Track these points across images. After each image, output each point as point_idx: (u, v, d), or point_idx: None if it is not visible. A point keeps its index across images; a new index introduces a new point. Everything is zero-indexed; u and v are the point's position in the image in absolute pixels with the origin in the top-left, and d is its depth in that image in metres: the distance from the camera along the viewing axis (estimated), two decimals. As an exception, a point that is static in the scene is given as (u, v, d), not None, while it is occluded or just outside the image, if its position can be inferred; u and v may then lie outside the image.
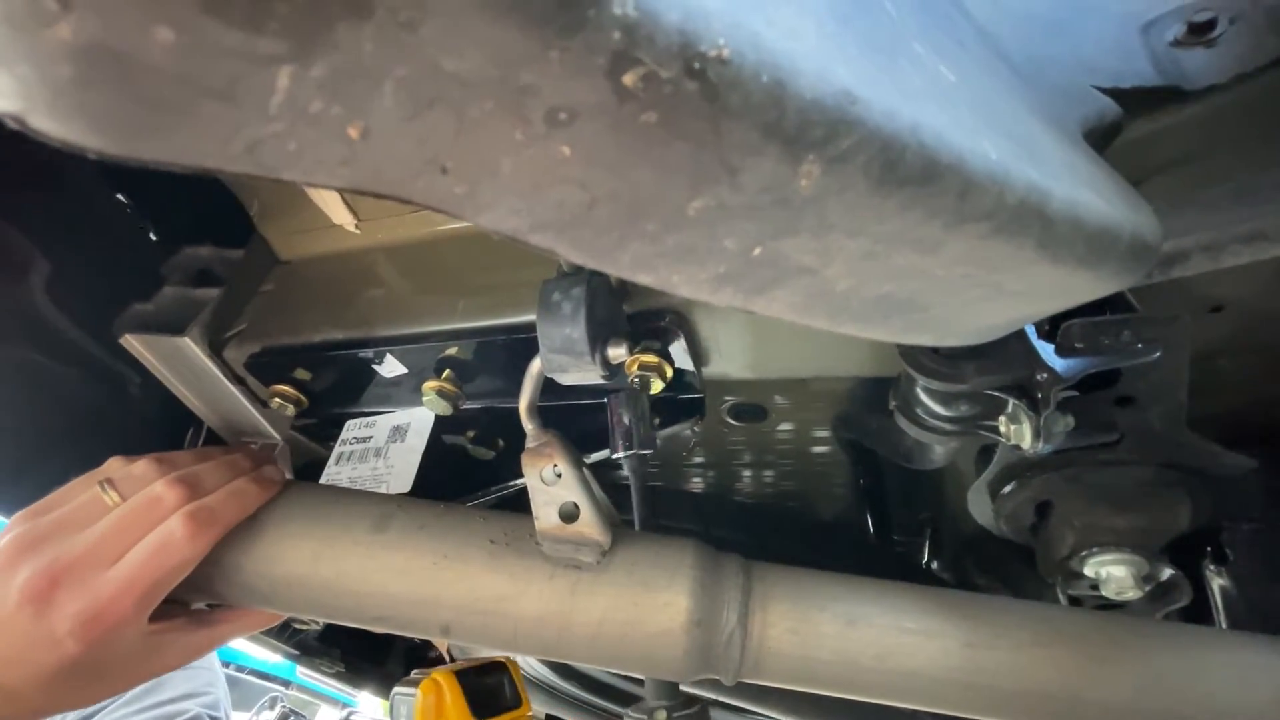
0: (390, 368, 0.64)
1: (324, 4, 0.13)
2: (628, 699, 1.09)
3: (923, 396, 0.50)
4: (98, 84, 0.13)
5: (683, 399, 0.61)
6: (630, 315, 0.54)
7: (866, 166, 0.19)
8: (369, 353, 0.62)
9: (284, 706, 2.56)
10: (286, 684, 2.60)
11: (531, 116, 0.17)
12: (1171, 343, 0.45)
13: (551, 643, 0.53)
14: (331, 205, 0.65)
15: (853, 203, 0.20)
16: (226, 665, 2.46)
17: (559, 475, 0.52)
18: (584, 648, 0.53)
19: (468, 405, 0.63)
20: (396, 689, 0.75)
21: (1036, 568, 0.58)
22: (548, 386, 0.52)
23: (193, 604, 0.60)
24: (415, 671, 0.76)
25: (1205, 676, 0.48)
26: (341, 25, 0.14)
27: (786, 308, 0.24)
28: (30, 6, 0.12)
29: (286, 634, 0.95)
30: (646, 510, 0.57)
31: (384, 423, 0.70)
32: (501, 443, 0.75)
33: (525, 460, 0.53)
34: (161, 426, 0.75)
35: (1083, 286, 0.27)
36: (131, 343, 0.66)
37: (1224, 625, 0.59)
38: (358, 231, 0.66)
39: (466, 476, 0.76)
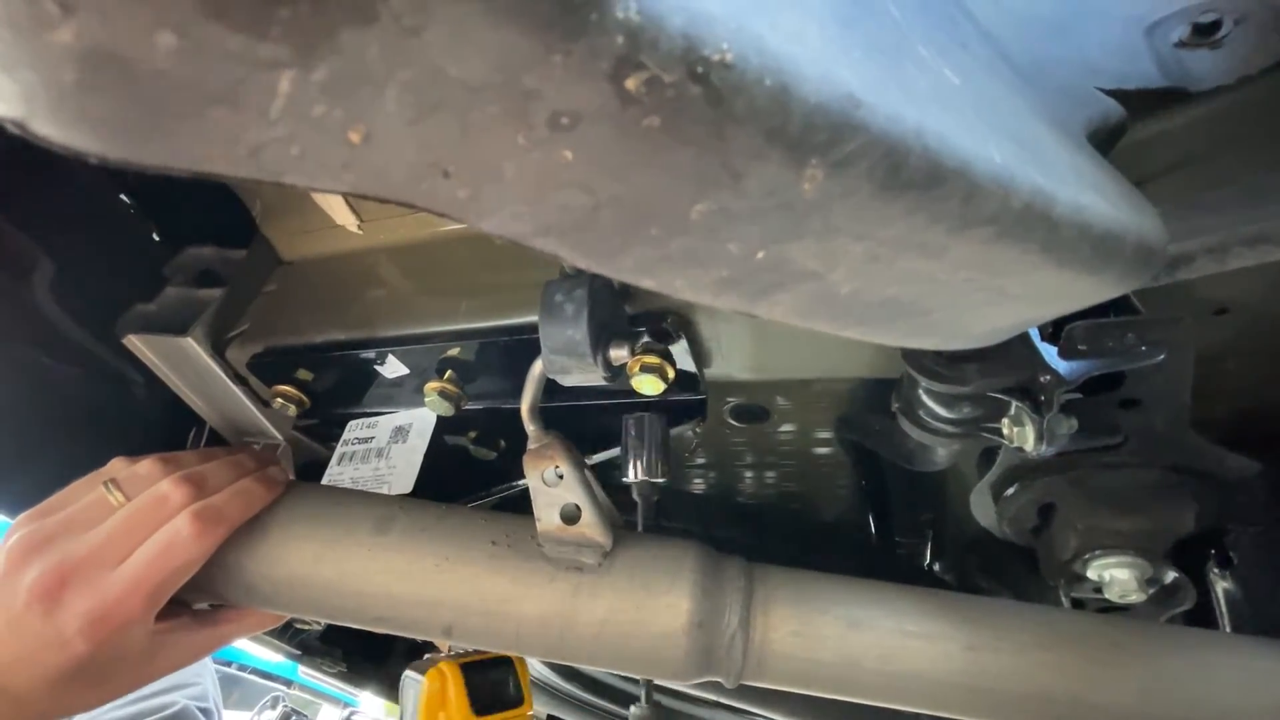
0: (392, 368, 0.64)
1: (327, 9, 0.13)
2: (628, 699, 1.09)
3: (925, 398, 0.50)
4: (100, 89, 0.13)
5: (685, 400, 0.61)
6: (632, 316, 0.54)
7: (871, 171, 0.19)
8: (371, 353, 0.62)
9: (286, 706, 2.56)
10: (288, 683, 2.60)
11: (534, 121, 0.17)
12: (1176, 345, 0.45)
13: (553, 644, 0.53)
14: (334, 206, 0.65)
15: (857, 207, 0.20)
16: (228, 664, 2.46)
17: (560, 477, 0.52)
18: (586, 649, 0.53)
19: (470, 406, 0.63)
20: (408, 670, 0.76)
21: (1039, 570, 0.58)
22: (550, 387, 0.52)
23: (196, 604, 0.60)
24: (427, 656, 0.77)
25: (1209, 681, 0.48)
26: (345, 30, 0.14)
27: (790, 312, 0.24)
28: (31, 10, 0.12)
29: (289, 634, 0.95)
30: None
31: (386, 423, 0.70)
32: (503, 443, 0.75)
33: (527, 462, 0.53)
34: (164, 426, 0.75)
35: (1088, 290, 0.27)
36: (134, 343, 0.66)
37: (1228, 628, 0.59)
38: (360, 232, 0.66)
39: (468, 477, 0.76)
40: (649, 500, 0.58)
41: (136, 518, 0.51)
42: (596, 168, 0.18)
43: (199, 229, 0.71)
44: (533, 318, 0.54)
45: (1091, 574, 0.53)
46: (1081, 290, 0.27)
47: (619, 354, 0.47)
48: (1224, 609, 0.58)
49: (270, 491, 0.57)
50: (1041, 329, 0.46)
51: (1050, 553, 0.56)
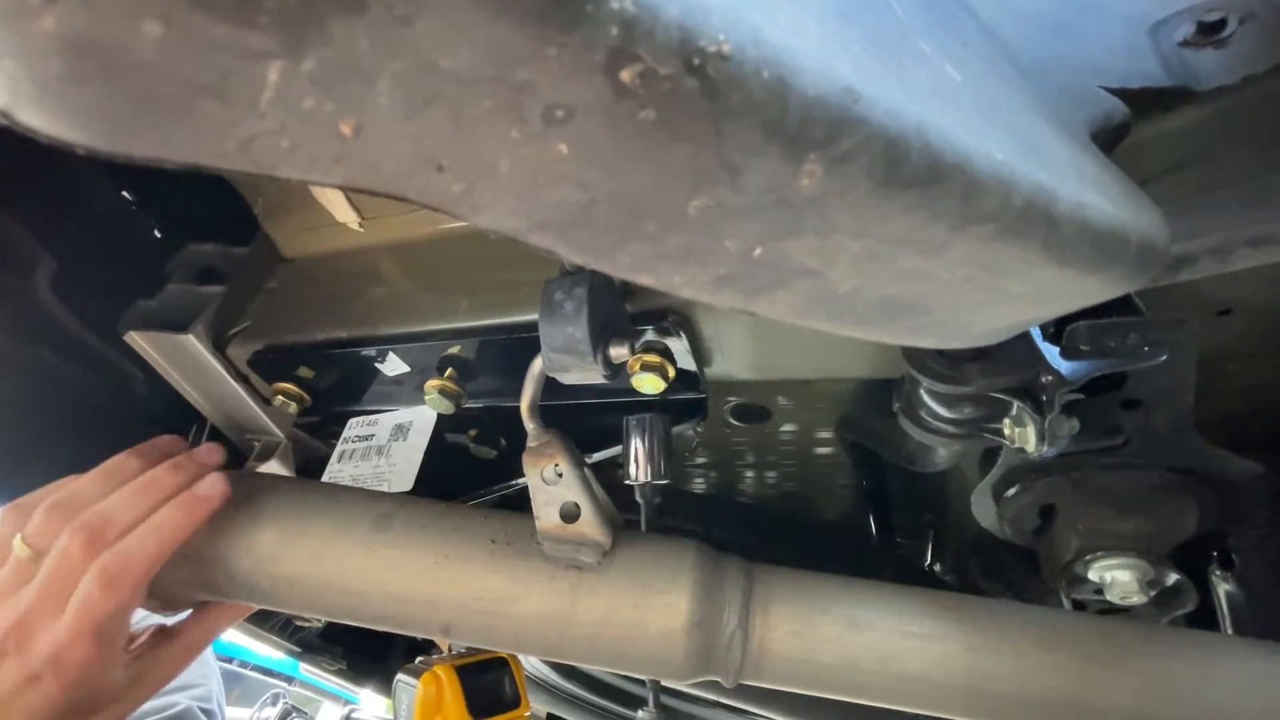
0: (393, 366, 0.64)
1: (315, -1, 0.13)
2: (628, 699, 1.09)
3: (926, 399, 0.49)
4: (84, 79, 0.13)
5: (685, 399, 0.61)
6: (633, 315, 0.53)
7: (870, 167, 0.19)
8: (372, 351, 0.62)
9: (286, 703, 2.56)
10: (289, 680, 2.60)
11: (528, 114, 0.16)
12: (1178, 346, 0.45)
13: (552, 643, 0.53)
14: (335, 203, 0.65)
15: (856, 203, 0.20)
16: (229, 661, 2.46)
17: (560, 475, 0.52)
18: (584, 648, 0.52)
19: (470, 404, 0.63)
20: (400, 675, 0.75)
21: (1040, 571, 0.58)
22: (550, 386, 0.52)
23: (192, 600, 0.60)
24: (420, 659, 0.76)
25: (1211, 683, 0.48)
26: (334, 20, 0.13)
27: (788, 309, 0.23)
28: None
29: (289, 631, 0.95)
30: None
31: (386, 421, 0.70)
32: (503, 442, 0.74)
33: (526, 460, 0.53)
34: (165, 423, 0.75)
35: (1089, 290, 0.27)
36: (135, 339, 0.66)
37: (1229, 630, 0.59)
38: (361, 230, 0.66)
39: (468, 475, 0.76)
40: (651, 501, 0.57)
41: (52, 582, 0.49)
42: (591, 162, 0.18)
43: (200, 226, 0.71)
44: (533, 316, 0.54)
45: (1093, 575, 0.53)
46: (1083, 290, 0.26)
47: (619, 352, 0.47)
48: (1226, 611, 0.58)
49: (194, 515, 0.52)
50: (1043, 329, 0.46)
51: (1051, 554, 0.56)
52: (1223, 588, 0.58)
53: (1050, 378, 0.44)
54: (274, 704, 2.57)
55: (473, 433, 0.74)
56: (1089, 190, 0.25)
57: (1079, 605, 0.58)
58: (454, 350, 0.60)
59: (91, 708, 0.52)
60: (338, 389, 0.68)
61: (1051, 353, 0.45)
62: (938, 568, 0.84)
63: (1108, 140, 0.40)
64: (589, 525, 0.52)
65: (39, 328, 0.67)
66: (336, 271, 0.68)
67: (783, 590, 0.52)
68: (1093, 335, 0.45)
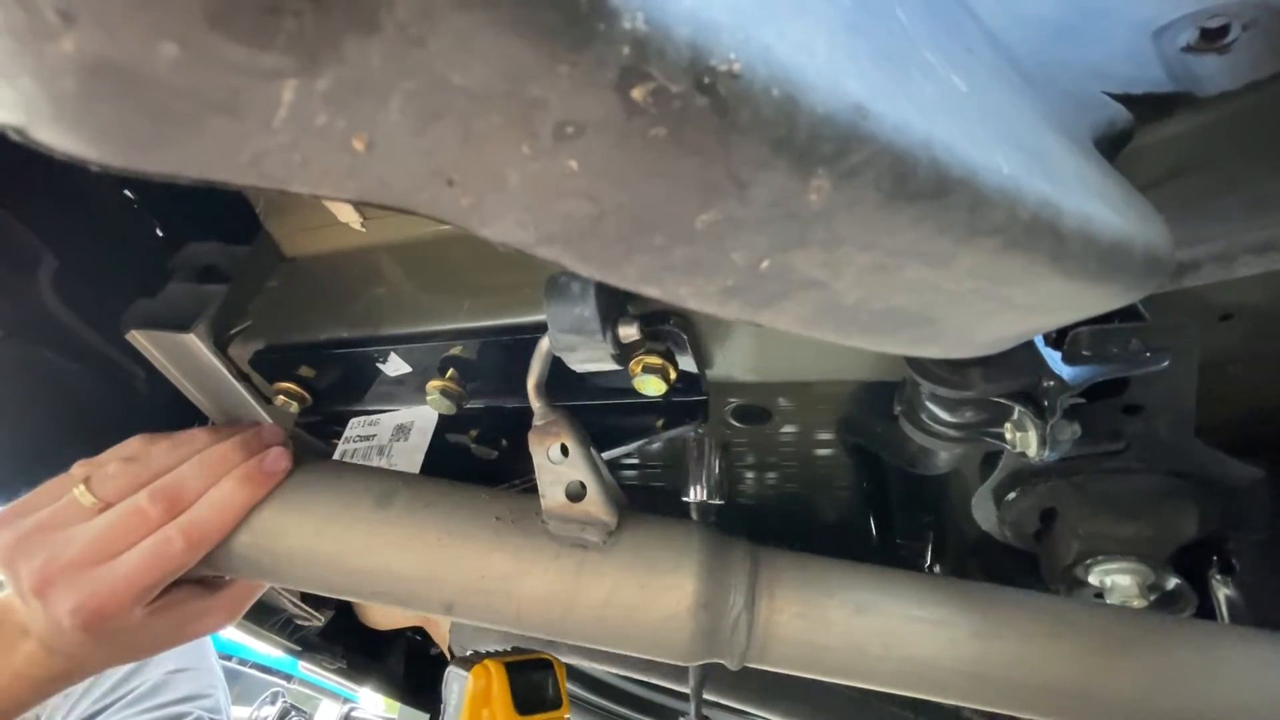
0: (394, 366, 0.64)
1: (331, 19, 0.13)
2: (631, 700, 1.10)
3: (928, 402, 0.50)
4: (101, 97, 0.13)
5: (686, 401, 0.61)
6: (635, 316, 0.53)
7: (878, 181, 0.19)
8: (373, 351, 0.62)
9: (285, 702, 2.57)
10: (288, 678, 2.61)
11: (539, 130, 0.16)
12: (1180, 351, 0.45)
13: (555, 623, 0.52)
14: (337, 204, 0.65)
15: (863, 217, 0.20)
16: (228, 659, 2.47)
17: (566, 454, 0.52)
18: (588, 628, 0.52)
19: (471, 404, 0.63)
20: (452, 666, 0.77)
21: (1040, 574, 0.58)
22: (551, 388, 0.52)
23: (193, 575, 0.60)
24: (471, 652, 0.78)
25: (1217, 673, 0.47)
26: (349, 40, 0.13)
27: (794, 320, 0.24)
28: (32, 19, 0.12)
29: (289, 630, 0.96)
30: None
31: (388, 421, 0.70)
32: (504, 442, 0.75)
33: (532, 438, 0.52)
34: (166, 422, 0.75)
35: (1095, 300, 0.27)
36: (137, 338, 0.66)
37: (1229, 634, 0.59)
38: (363, 229, 0.66)
39: (469, 476, 0.76)
40: (706, 520, 0.57)
41: (119, 526, 0.51)
42: (601, 177, 0.18)
43: (202, 224, 0.71)
44: (536, 317, 0.54)
45: (1093, 579, 0.53)
46: (1089, 300, 0.27)
47: (628, 331, 0.47)
48: (1226, 615, 0.58)
49: (260, 488, 0.55)
50: (1046, 334, 0.46)
51: (1052, 557, 0.56)
52: (1223, 592, 0.58)
53: (1052, 383, 0.44)
54: (273, 702, 2.57)
55: (474, 433, 0.74)
56: (1094, 201, 0.25)
57: (1078, 608, 0.58)
58: (456, 350, 0.60)
59: (105, 643, 0.54)
60: (339, 388, 0.68)
61: (1053, 358, 0.45)
62: (937, 569, 0.84)
63: (1111, 146, 0.40)
64: (595, 504, 0.52)
65: (40, 326, 0.67)
66: (338, 271, 0.68)
67: (789, 573, 0.52)
68: (1095, 341, 0.45)
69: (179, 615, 0.58)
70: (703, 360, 0.57)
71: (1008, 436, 0.47)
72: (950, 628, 0.49)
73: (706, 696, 0.81)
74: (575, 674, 1.08)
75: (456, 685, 0.74)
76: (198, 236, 0.71)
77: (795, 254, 0.21)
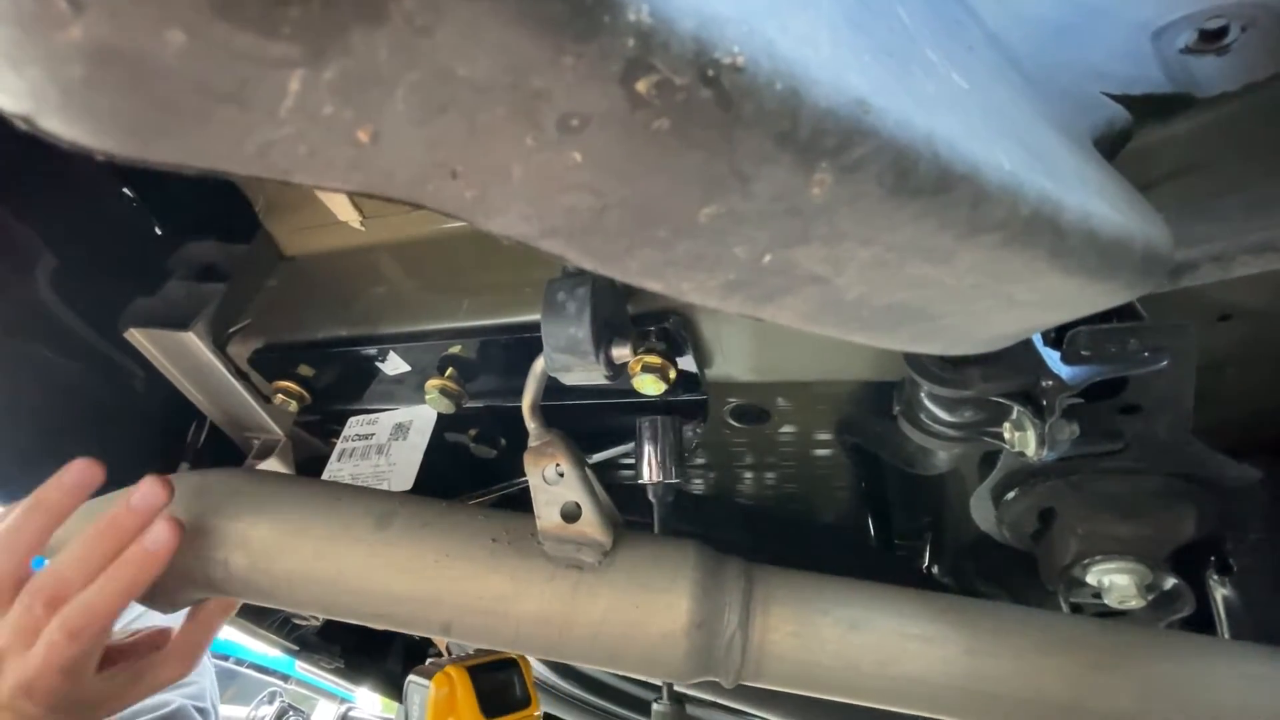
0: (393, 365, 0.64)
1: (338, 9, 0.13)
2: (626, 699, 1.10)
3: (927, 402, 0.50)
4: (108, 86, 0.13)
5: (685, 400, 0.61)
6: (634, 316, 0.53)
7: (880, 176, 0.19)
8: (372, 350, 0.62)
9: (282, 701, 2.56)
10: (285, 678, 2.60)
11: (543, 122, 0.16)
12: (1178, 351, 0.45)
13: (552, 643, 0.53)
14: (337, 202, 0.65)
15: (865, 212, 0.20)
16: (225, 659, 2.46)
17: (561, 475, 0.52)
18: (584, 648, 0.52)
19: (470, 404, 0.63)
20: (411, 676, 0.75)
21: (1038, 575, 0.58)
22: (551, 386, 0.52)
23: (192, 598, 0.60)
24: (429, 661, 0.77)
25: (1209, 687, 0.48)
26: (355, 30, 0.14)
27: (796, 315, 0.24)
28: (41, 8, 0.12)
29: (286, 629, 0.95)
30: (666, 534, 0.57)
31: (386, 420, 0.70)
32: (503, 441, 0.75)
33: (528, 459, 0.53)
34: (164, 421, 0.75)
35: (1094, 298, 0.27)
36: (136, 337, 0.66)
37: (1227, 635, 0.59)
38: (363, 228, 0.66)
39: (468, 475, 0.76)
40: (664, 501, 0.58)
41: (16, 626, 0.52)
42: (605, 170, 0.18)
43: (202, 223, 0.71)
44: (535, 316, 0.54)
45: (1091, 579, 0.53)
46: (1088, 297, 0.27)
47: (621, 352, 0.47)
48: (1223, 616, 0.58)
49: (149, 569, 0.53)
50: (1044, 334, 0.46)
51: (1050, 557, 0.56)
52: (1220, 592, 0.58)
53: (1051, 382, 0.44)
54: (270, 702, 2.56)
55: (473, 432, 0.74)
56: (1094, 199, 0.25)
57: (1077, 609, 0.58)
58: (455, 350, 0.60)
59: (80, 713, 0.55)
60: (338, 387, 0.68)
61: (1052, 357, 0.45)
62: (936, 570, 0.84)
63: (1110, 146, 0.40)
64: (590, 525, 0.52)
65: (39, 325, 0.67)
66: (338, 270, 0.68)
67: (783, 591, 0.52)
68: (1093, 340, 0.45)
69: (127, 676, 0.59)
70: (702, 360, 0.57)
71: (1006, 436, 0.47)
72: (943, 644, 0.50)
73: (704, 697, 0.81)
74: (563, 668, 1.08)
75: (418, 697, 0.73)
76: (197, 235, 0.71)
77: (798, 249, 0.21)
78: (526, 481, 0.53)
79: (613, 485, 0.58)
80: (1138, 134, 0.41)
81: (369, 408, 0.70)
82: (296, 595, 0.56)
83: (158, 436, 0.76)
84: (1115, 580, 0.52)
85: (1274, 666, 0.49)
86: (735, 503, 0.87)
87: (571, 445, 0.53)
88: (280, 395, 0.66)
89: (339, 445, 0.71)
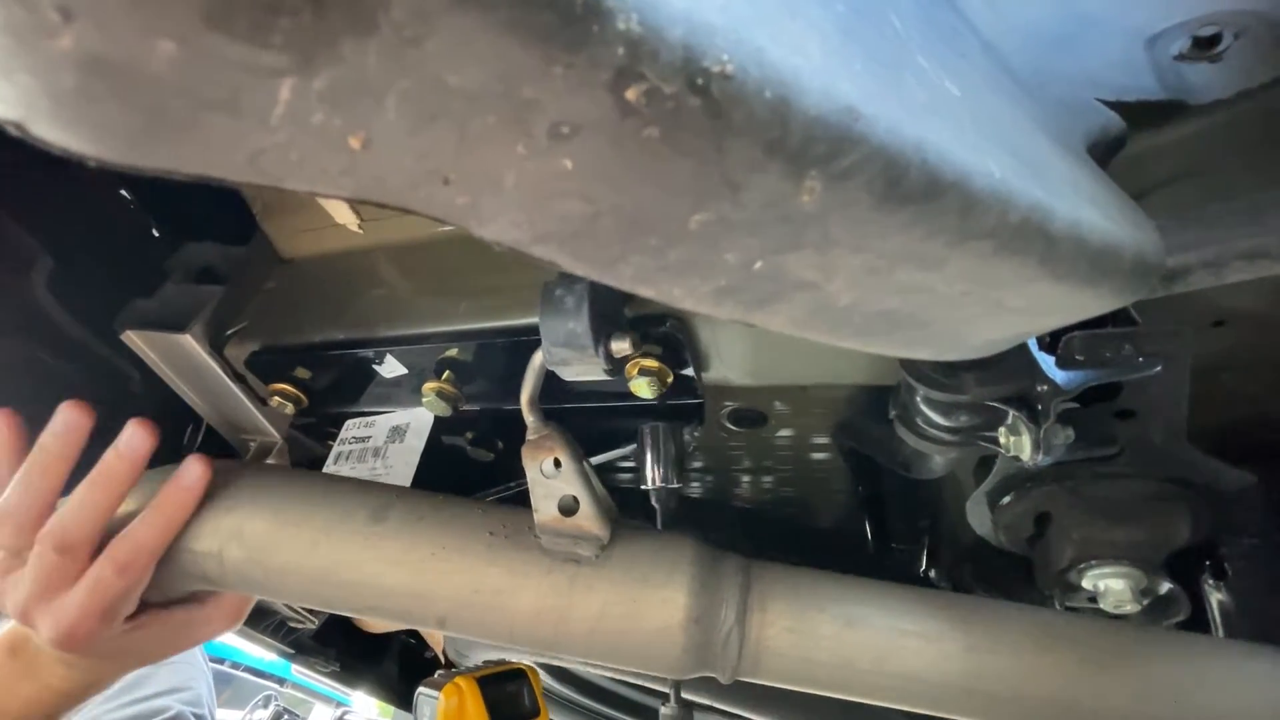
0: (390, 368, 0.64)
1: (328, 19, 0.13)
2: (624, 704, 1.09)
3: (923, 406, 0.50)
4: (99, 94, 0.13)
5: (682, 404, 0.61)
6: (631, 319, 0.54)
7: (870, 183, 0.19)
8: (369, 353, 0.62)
9: (278, 705, 2.55)
10: (281, 682, 2.59)
11: (534, 130, 0.17)
12: (1173, 357, 0.45)
13: (548, 637, 0.52)
14: (335, 205, 0.65)
15: (855, 219, 0.20)
16: (221, 662, 2.45)
17: (559, 468, 0.52)
18: (581, 643, 0.52)
19: (467, 407, 0.63)
20: (421, 688, 0.75)
21: (1034, 579, 0.58)
22: (548, 390, 0.52)
23: (187, 589, 0.60)
24: (439, 673, 0.77)
25: (1206, 685, 0.48)
26: (346, 40, 0.14)
27: (788, 321, 0.24)
28: (31, 16, 0.12)
29: (282, 632, 0.95)
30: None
31: (383, 423, 0.70)
32: (500, 445, 0.75)
33: (525, 453, 0.53)
34: (161, 423, 0.75)
35: (1085, 304, 0.27)
36: (133, 339, 0.66)
37: (1222, 640, 0.59)
38: (361, 231, 0.66)
39: (465, 478, 0.76)
40: (667, 506, 0.58)
41: (42, 573, 0.53)
42: (596, 177, 0.18)
43: (199, 225, 0.71)
44: (532, 319, 0.54)
45: (1086, 584, 0.53)
46: (1079, 304, 0.27)
47: (620, 346, 0.47)
48: (1218, 621, 0.58)
49: (187, 503, 0.55)
50: (1039, 339, 0.46)
51: (1046, 562, 0.56)
52: (1215, 597, 0.58)
53: (1046, 387, 0.44)
54: (265, 706, 2.56)
55: (470, 435, 0.74)
56: (1085, 206, 0.25)
57: (1073, 613, 0.58)
58: (452, 353, 0.61)
59: (123, 660, 0.59)
60: (335, 390, 0.68)
61: (1047, 362, 0.45)
62: (932, 573, 0.84)
63: (1104, 153, 0.40)
64: (587, 519, 0.52)
65: (35, 326, 0.67)
66: (335, 272, 0.68)
67: (780, 587, 0.52)
68: (1088, 345, 0.45)
69: (171, 626, 0.60)
70: (699, 364, 0.57)
71: (1002, 441, 0.47)
72: (941, 641, 0.49)
73: (700, 700, 0.81)
74: (565, 675, 1.07)
75: (427, 709, 0.73)
76: (194, 237, 0.71)
77: (788, 256, 0.21)
78: (523, 485, 0.53)
79: (609, 489, 0.58)
80: (1131, 140, 0.42)
81: (366, 410, 0.70)
82: (292, 587, 0.56)
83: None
84: (1111, 585, 0.52)
85: (1273, 665, 0.49)
86: (732, 506, 0.87)
87: (570, 439, 0.53)
88: (277, 398, 0.66)
89: (335, 448, 0.71)
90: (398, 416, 0.69)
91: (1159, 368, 0.44)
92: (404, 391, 0.66)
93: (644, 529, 0.56)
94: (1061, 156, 0.30)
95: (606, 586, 0.51)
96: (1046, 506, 0.55)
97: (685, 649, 0.50)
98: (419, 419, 0.68)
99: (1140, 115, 0.41)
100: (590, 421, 0.64)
